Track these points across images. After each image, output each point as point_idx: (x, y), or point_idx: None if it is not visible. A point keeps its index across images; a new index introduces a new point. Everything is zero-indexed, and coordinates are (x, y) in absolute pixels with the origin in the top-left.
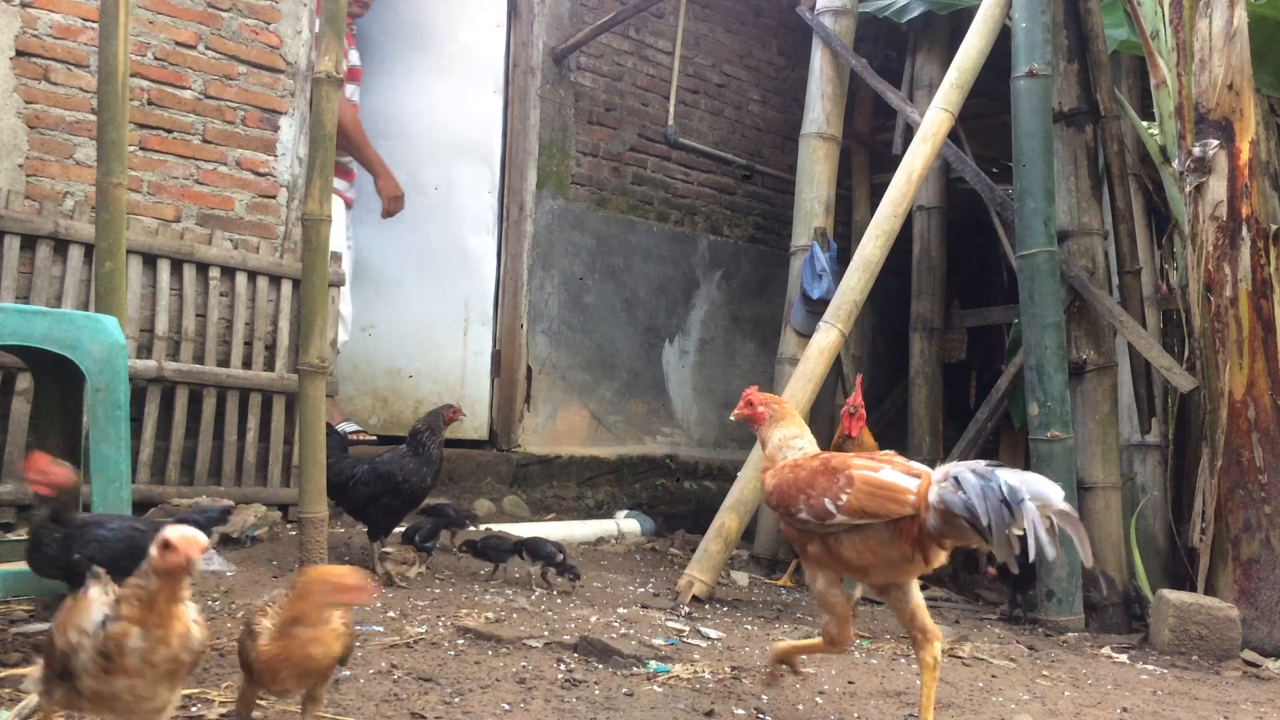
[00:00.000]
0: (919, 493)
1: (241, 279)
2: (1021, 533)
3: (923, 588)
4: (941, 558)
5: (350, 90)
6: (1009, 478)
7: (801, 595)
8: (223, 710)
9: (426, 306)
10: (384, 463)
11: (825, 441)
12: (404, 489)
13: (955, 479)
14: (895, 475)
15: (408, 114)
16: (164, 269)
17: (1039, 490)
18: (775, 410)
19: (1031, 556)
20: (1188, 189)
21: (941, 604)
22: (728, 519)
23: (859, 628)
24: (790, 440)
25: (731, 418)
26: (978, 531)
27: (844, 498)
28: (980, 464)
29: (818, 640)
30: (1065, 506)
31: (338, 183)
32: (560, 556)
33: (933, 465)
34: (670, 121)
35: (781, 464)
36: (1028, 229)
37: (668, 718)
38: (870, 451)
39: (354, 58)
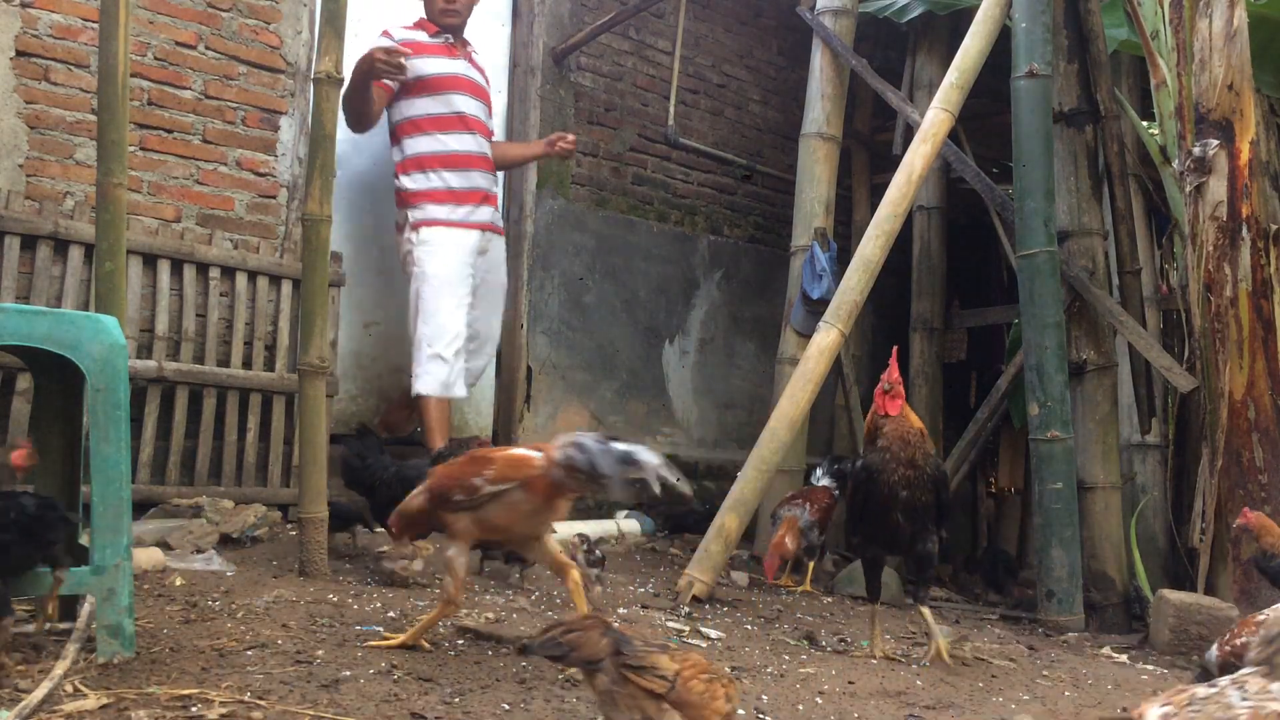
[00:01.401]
0: (545, 458)
1: (241, 279)
2: (638, 478)
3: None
4: (564, 508)
5: (475, 108)
6: (621, 444)
7: (802, 595)
8: (223, 710)
9: None
10: (410, 467)
11: (825, 442)
12: None
13: (578, 444)
14: (524, 450)
15: None
16: (164, 269)
17: (648, 456)
18: None
19: (658, 491)
20: (1188, 189)
21: (942, 604)
22: (728, 519)
23: (858, 629)
24: None
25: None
26: (596, 478)
27: (488, 473)
28: (598, 434)
29: (439, 606)
30: (659, 465)
31: (486, 211)
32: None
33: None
34: (670, 121)
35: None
36: (1028, 229)
37: None
38: (912, 428)
39: (458, 66)
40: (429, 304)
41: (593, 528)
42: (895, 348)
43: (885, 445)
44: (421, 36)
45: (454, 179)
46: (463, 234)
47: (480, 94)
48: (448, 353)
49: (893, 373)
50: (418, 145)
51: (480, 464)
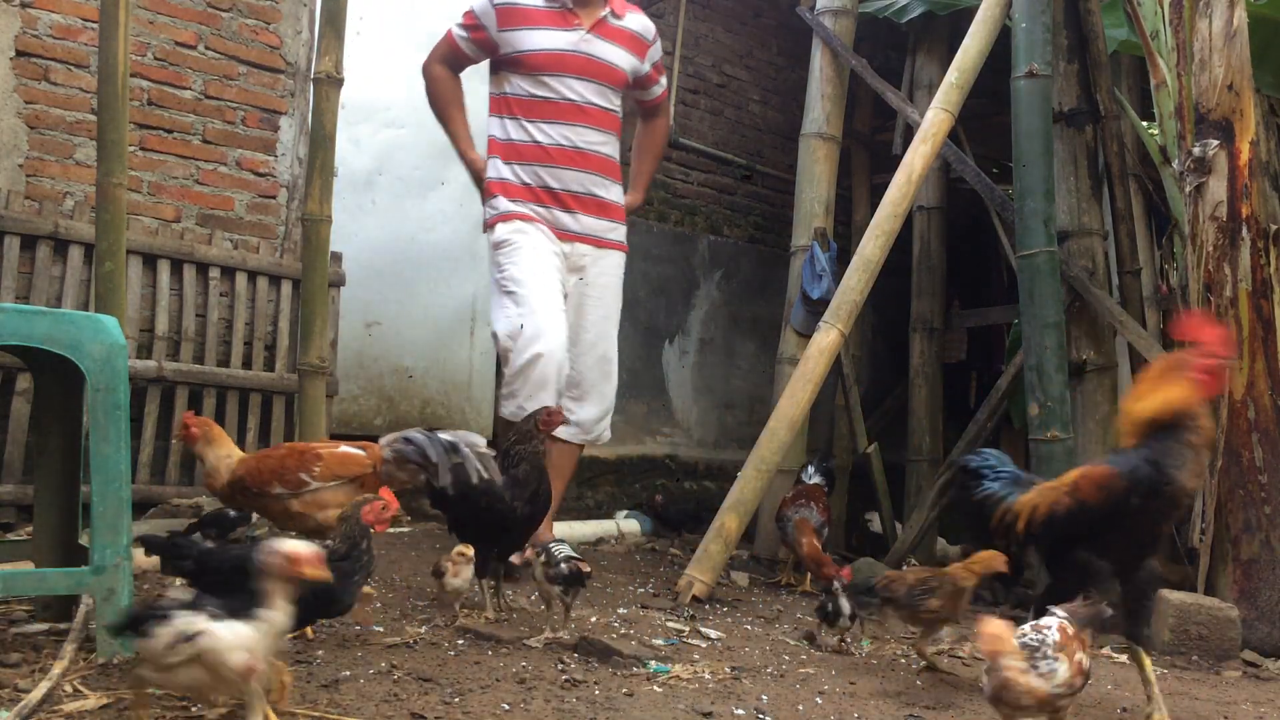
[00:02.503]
0: (372, 456)
1: (241, 279)
2: (460, 461)
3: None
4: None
5: (590, 93)
6: (446, 435)
7: (802, 595)
8: (223, 710)
9: (433, 305)
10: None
11: (825, 442)
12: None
13: (405, 438)
14: (349, 449)
15: (417, 107)
16: (164, 269)
17: (471, 438)
18: (208, 432)
19: (474, 479)
20: (1188, 189)
21: None
22: (728, 519)
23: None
24: (224, 457)
25: (173, 439)
26: (426, 466)
27: (316, 469)
28: (420, 428)
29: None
30: (484, 446)
31: (587, 221)
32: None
33: (934, 465)
34: (670, 121)
35: (240, 459)
36: (1028, 229)
37: (668, 718)
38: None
39: (570, 39)
40: (501, 298)
41: (592, 528)
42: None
43: (1196, 441)
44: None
45: (542, 176)
46: (547, 235)
47: (604, 74)
48: (520, 354)
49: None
50: (506, 128)
51: (308, 460)
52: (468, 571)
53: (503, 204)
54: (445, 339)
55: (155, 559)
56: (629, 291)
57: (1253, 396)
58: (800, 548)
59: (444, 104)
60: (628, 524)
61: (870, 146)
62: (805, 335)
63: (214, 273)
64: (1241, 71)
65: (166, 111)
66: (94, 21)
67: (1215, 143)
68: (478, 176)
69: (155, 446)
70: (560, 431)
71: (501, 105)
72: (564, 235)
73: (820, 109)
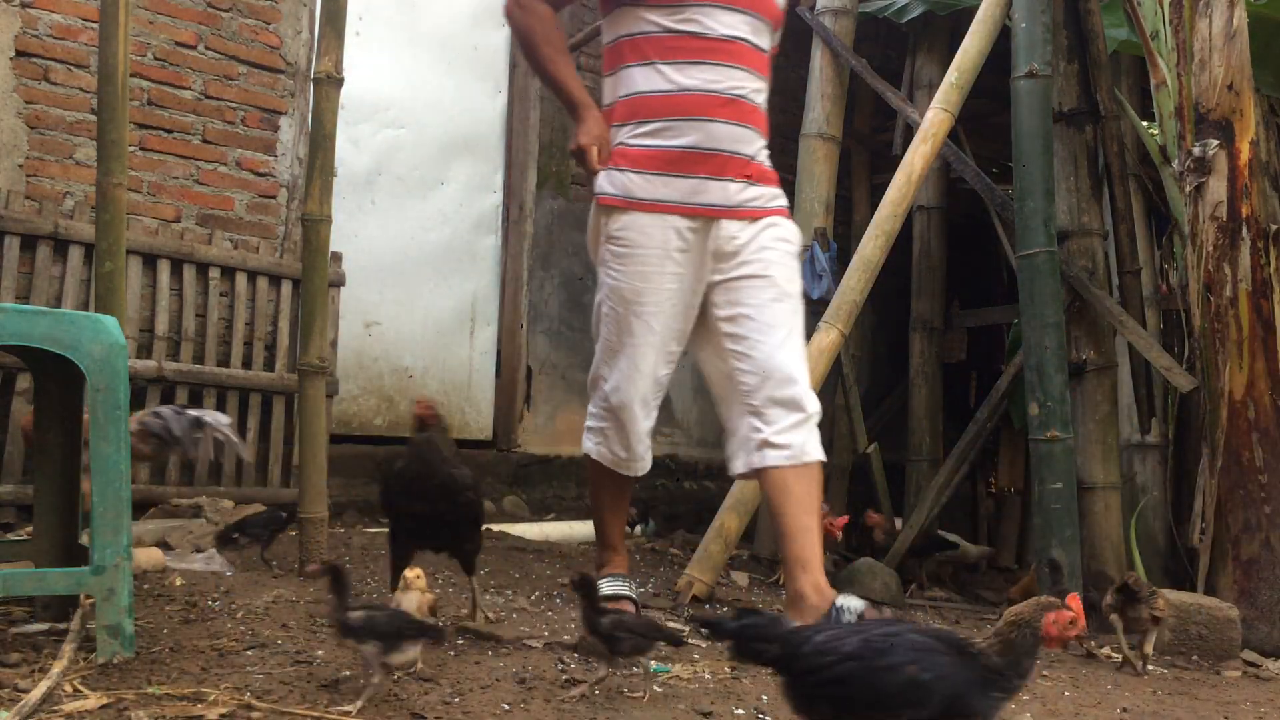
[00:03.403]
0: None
1: (241, 279)
2: (199, 437)
3: (922, 588)
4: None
5: (741, 26)
6: (193, 411)
7: None
8: (223, 710)
9: (434, 305)
10: None
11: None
12: None
13: (155, 412)
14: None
15: (418, 107)
16: (164, 269)
17: (218, 416)
18: None
19: (212, 456)
20: (1188, 189)
21: (941, 604)
22: (728, 519)
23: None
24: None
25: None
26: (170, 440)
27: None
28: (174, 405)
29: None
30: (227, 423)
31: (733, 189)
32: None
33: (934, 465)
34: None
35: None
36: (1028, 229)
37: (667, 718)
38: None
39: None
40: (598, 326)
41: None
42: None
43: None
44: None
45: (682, 133)
46: (670, 225)
47: (759, 5)
48: (600, 403)
49: None
50: (631, 80)
51: None
52: (411, 599)
53: (626, 182)
54: (445, 339)
55: (157, 558)
56: None
57: (1253, 396)
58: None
59: (542, 43)
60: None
61: (870, 146)
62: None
63: (214, 273)
64: (1241, 71)
65: (166, 111)
66: (94, 21)
67: (1215, 143)
68: (597, 137)
69: None
70: (771, 458)
71: (625, 52)
72: (706, 211)
73: (820, 109)
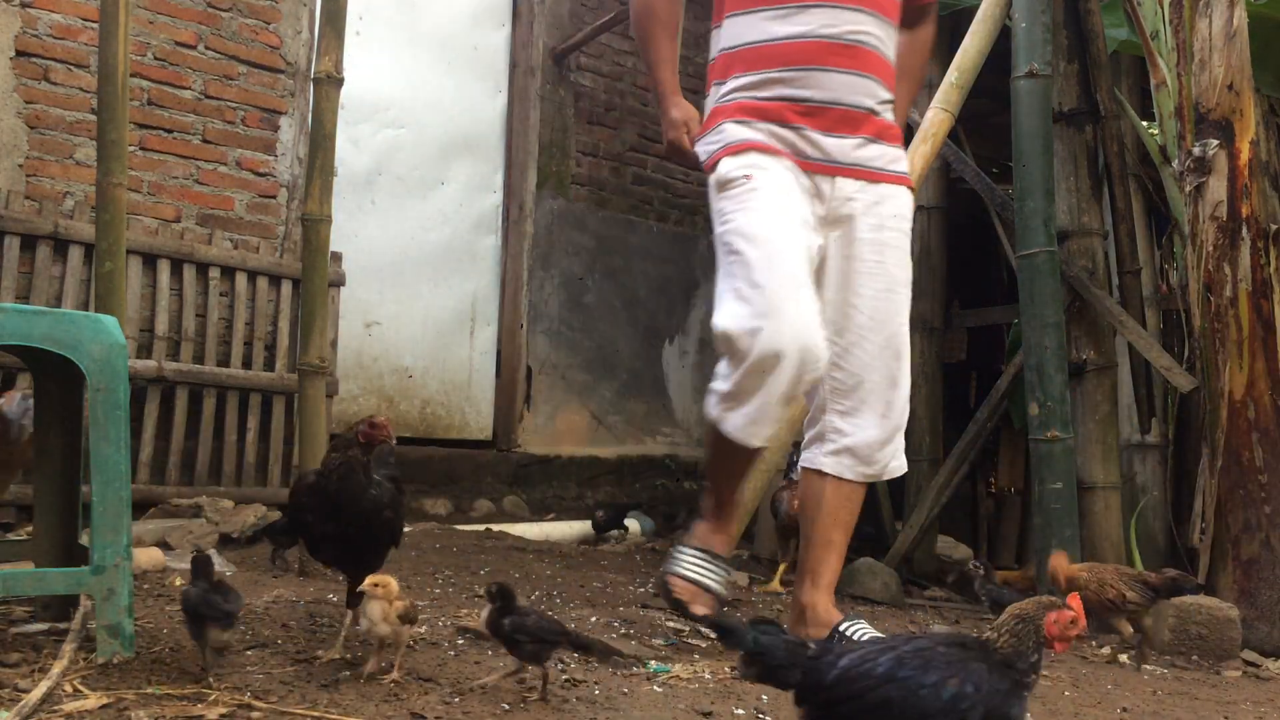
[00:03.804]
0: None
1: (241, 279)
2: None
3: (924, 589)
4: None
5: None
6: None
7: None
8: (223, 710)
9: (434, 305)
10: None
11: None
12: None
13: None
14: None
15: (418, 107)
16: (164, 269)
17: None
18: None
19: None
20: (1188, 189)
21: (941, 604)
22: None
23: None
24: None
25: None
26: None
27: None
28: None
29: None
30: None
31: (848, 145)
32: None
33: (935, 465)
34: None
35: None
36: (1028, 229)
37: (667, 717)
38: None
39: None
40: (729, 268)
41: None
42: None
43: None
44: None
45: (791, 83)
46: (789, 166)
47: None
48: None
49: None
50: (736, 30)
51: None
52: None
53: (729, 131)
54: (445, 339)
55: (157, 558)
56: (630, 291)
57: (1253, 396)
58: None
59: (656, 24)
60: (628, 524)
61: None
62: None
63: (214, 273)
64: (1241, 71)
65: (166, 111)
66: (94, 21)
67: (1215, 143)
68: (681, 121)
69: (155, 446)
70: (828, 464)
71: (727, 1)
72: (820, 168)
73: None
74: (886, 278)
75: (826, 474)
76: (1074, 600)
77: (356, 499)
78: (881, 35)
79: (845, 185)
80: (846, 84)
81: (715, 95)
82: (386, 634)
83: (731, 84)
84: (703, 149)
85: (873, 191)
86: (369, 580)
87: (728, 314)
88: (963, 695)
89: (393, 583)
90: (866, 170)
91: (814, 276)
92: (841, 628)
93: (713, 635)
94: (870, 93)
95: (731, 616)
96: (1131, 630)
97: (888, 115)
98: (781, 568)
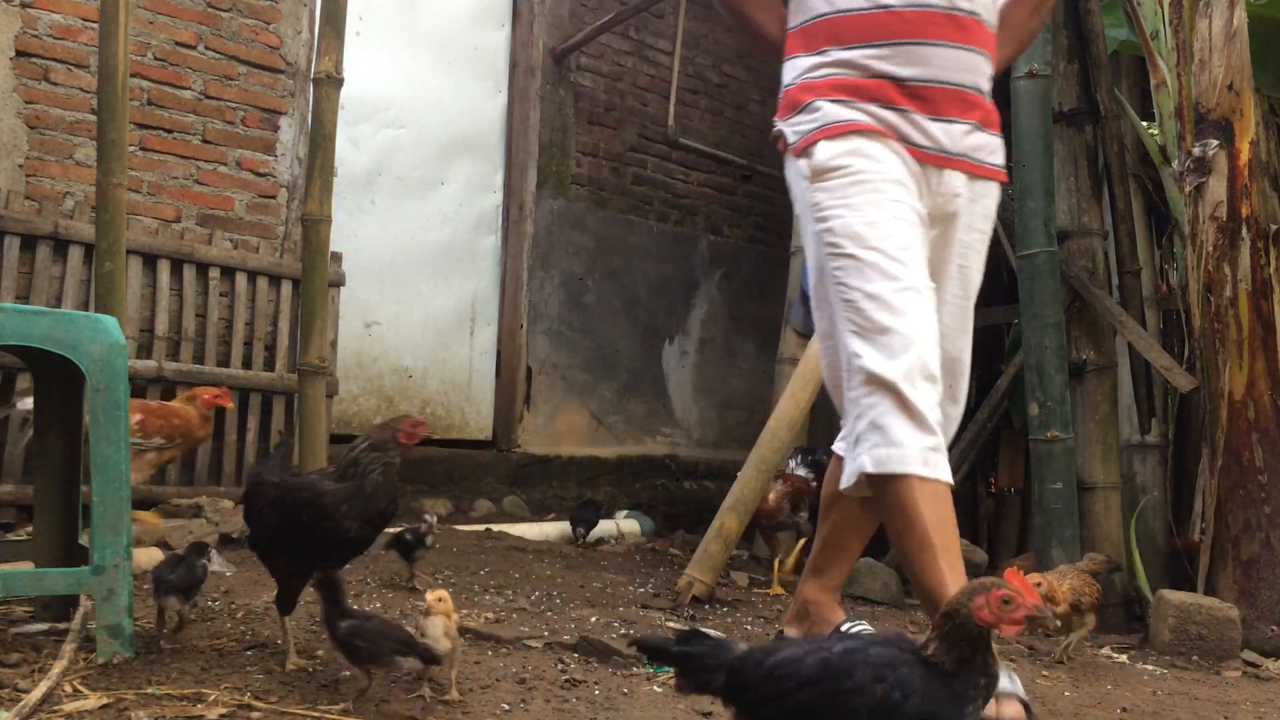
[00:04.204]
0: None
1: (241, 279)
2: None
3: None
4: None
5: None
6: None
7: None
8: (223, 710)
9: (434, 305)
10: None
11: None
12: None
13: None
14: None
15: (418, 107)
16: (164, 269)
17: None
18: None
19: None
20: (1188, 189)
21: None
22: (728, 519)
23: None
24: None
25: None
26: None
27: None
28: None
29: None
30: None
31: (996, 148)
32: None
33: None
34: (670, 121)
35: None
36: (1028, 229)
37: (667, 717)
38: None
39: None
40: (849, 286)
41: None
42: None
43: None
44: None
45: (888, 59)
46: (895, 149)
47: None
48: (904, 377)
49: None
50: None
51: None
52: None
53: (825, 111)
54: (445, 339)
55: (157, 559)
56: (630, 291)
57: (1253, 396)
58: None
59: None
60: (628, 524)
61: None
62: (805, 335)
63: (214, 273)
64: (1241, 71)
65: (166, 111)
66: (94, 21)
67: (1215, 143)
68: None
69: None
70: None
71: None
72: (930, 157)
73: None
74: (968, 286)
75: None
76: (1012, 575)
77: (395, 499)
78: (989, 5)
79: (952, 180)
80: (956, 60)
81: (797, 70)
82: (448, 649)
83: (819, 58)
84: (791, 130)
85: (974, 188)
86: (432, 595)
87: (868, 354)
88: (887, 702)
89: (449, 597)
90: (972, 163)
91: None
92: (844, 629)
93: (643, 659)
94: (980, 70)
95: (655, 635)
96: (1095, 620)
97: (990, 97)
98: (777, 566)
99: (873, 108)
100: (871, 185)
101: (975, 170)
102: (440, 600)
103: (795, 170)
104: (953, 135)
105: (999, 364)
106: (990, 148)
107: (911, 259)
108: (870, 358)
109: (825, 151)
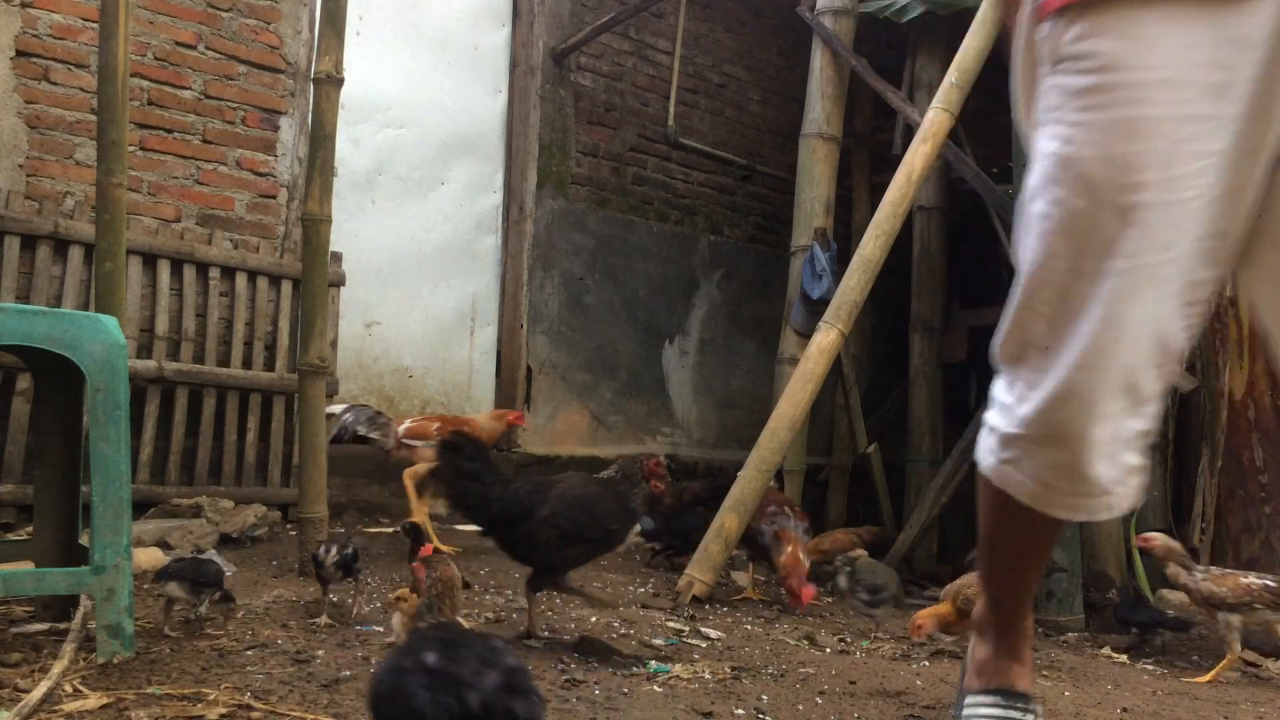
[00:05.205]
0: None
1: (241, 279)
2: None
3: (923, 589)
4: None
5: None
6: None
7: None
8: (223, 710)
9: (434, 305)
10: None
11: (825, 441)
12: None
13: None
14: None
15: (418, 106)
16: (164, 269)
17: None
18: None
19: None
20: None
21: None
22: (728, 519)
23: (859, 629)
24: None
25: None
26: None
27: None
28: None
29: None
30: None
31: None
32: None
33: (935, 465)
34: (670, 121)
35: None
36: None
37: (667, 718)
38: None
39: None
40: (1028, 248)
41: None
42: None
43: None
44: None
45: None
46: (1196, 31)
47: None
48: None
49: None
50: None
51: None
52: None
53: None
54: (445, 339)
55: (157, 558)
56: (630, 291)
57: (1253, 396)
58: (783, 560)
59: None
60: None
61: (870, 146)
62: (805, 335)
63: (214, 273)
64: None
65: (166, 111)
66: (94, 21)
67: None
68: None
69: (155, 446)
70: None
71: None
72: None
73: (820, 109)
74: None
75: None
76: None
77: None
78: None
79: None
80: None
81: None
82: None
83: None
84: None
85: None
86: (395, 594)
87: (1018, 312)
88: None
89: (414, 596)
90: None
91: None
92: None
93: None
94: None
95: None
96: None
97: None
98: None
99: None
100: (1131, 96)
101: None
102: (401, 599)
103: (1026, 32)
104: None
105: None
106: None
107: (1168, 217)
108: (1054, 358)
109: (1073, 29)
